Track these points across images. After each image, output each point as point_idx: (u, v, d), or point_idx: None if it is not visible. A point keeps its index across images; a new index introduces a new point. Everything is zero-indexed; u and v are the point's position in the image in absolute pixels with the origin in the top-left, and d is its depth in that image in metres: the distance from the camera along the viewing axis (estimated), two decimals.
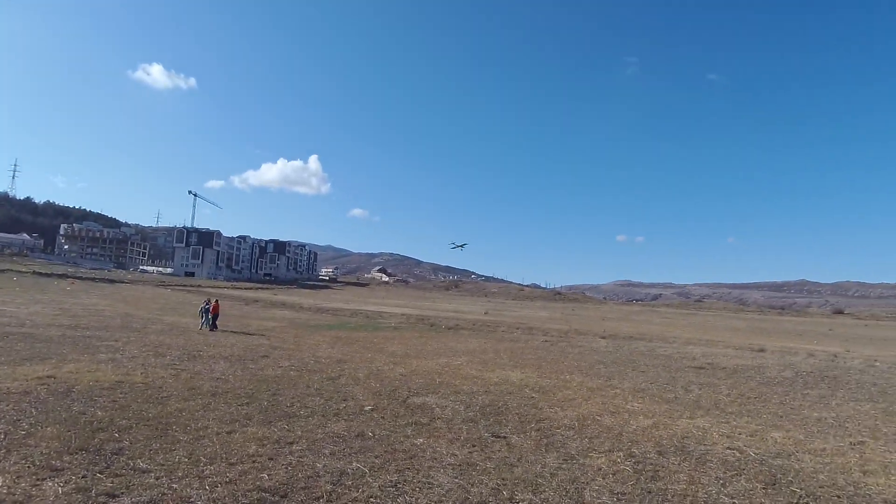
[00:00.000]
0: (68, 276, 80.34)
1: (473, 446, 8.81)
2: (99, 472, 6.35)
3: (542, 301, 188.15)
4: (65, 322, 25.67)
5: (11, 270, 76.19)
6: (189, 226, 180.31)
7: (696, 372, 21.00)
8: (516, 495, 6.65)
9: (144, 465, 6.72)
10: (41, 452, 6.86)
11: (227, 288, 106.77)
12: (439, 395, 13.36)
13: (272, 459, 7.33)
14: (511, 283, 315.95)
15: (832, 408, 14.47)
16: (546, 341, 34.00)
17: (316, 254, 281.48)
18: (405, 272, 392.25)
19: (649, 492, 7.11)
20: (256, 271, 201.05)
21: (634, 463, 8.37)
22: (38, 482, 5.91)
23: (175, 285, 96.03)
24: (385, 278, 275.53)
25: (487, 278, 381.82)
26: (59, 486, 5.85)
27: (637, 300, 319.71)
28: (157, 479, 6.31)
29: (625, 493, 6.99)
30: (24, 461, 6.52)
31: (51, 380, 11.46)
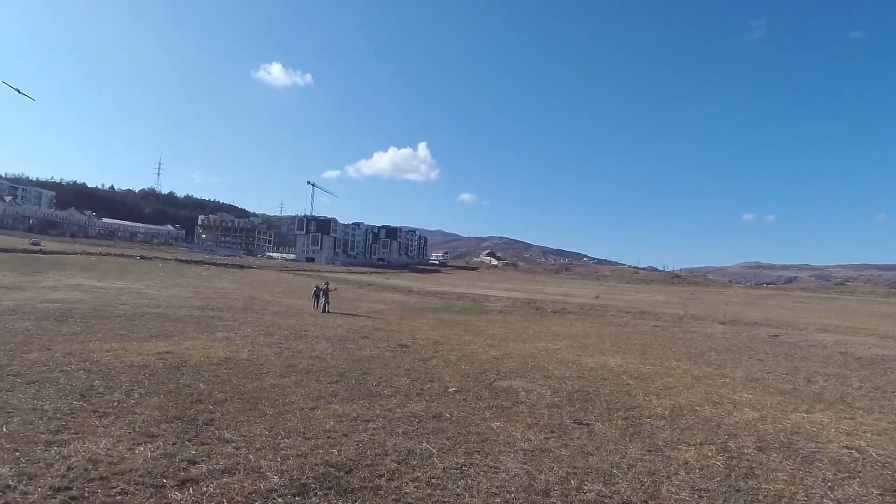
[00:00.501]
0: (204, 263, 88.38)
1: (552, 432, 8.54)
2: (187, 440, 6.90)
3: (659, 284, 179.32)
4: (195, 304, 28.21)
5: (157, 258, 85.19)
6: (308, 214, 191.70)
7: (824, 362, 18.98)
8: (585, 485, 6.35)
9: (228, 436, 7.20)
10: (143, 420, 7.58)
11: (343, 272, 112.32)
12: (528, 378, 13.12)
13: (346, 436, 7.56)
14: (625, 265, 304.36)
15: None
16: (656, 326, 32.38)
17: (426, 238, 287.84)
18: (514, 255, 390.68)
19: (738, 490, 6.49)
20: (370, 256, 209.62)
21: (728, 458, 7.69)
22: (134, 446, 6.53)
23: (296, 270, 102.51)
24: (494, 262, 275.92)
25: (600, 261, 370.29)
26: (150, 451, 6.42)
27: (767, 283, 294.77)
28: (236, 449, 6.74)
29: (708, 491, 6.43)
30: (127, 427, 7.23)
31: (168, 355, 12.64)
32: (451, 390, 11.23)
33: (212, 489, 5.53)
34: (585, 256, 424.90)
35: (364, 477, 6.16)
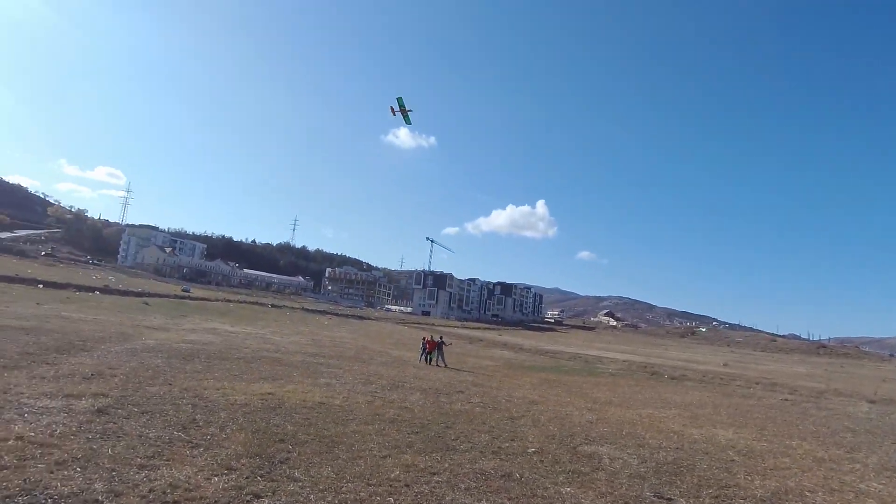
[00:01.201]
0: (328, 313, 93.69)
1: (625, 503, 8.03)
2: (259, 476, 7.37)
3: (801, 354, 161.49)
4: (310, 350, 29.95)
5: (286, 307, 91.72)
6: (426, 269, 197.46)
7: None
8: None
9: (298, 475, 7.60)
10: (227, 454, 8.21)
11: (457, 326, 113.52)
12: (617, 445, 12.42)
13: (408, 486, 7.66)
14: (761, 331, 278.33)
15: None
16: (786, 400, 29.24)
17: (541, 296, 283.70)
18: (636, 316, 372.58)
19: None
20: (484, 312, 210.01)
21: None
22: (211, 476, 7.11)
23: (412, 323, 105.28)
24: (612, 322, 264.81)
25: (731, 326, 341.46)
26: (224, 482, 6.95)
27: None
28: (301, 487, 7.09)
29: None
30: (211, 458, 7.88)
31: (270, 396, 13.56)
32: (530, 451, 10.94)
33: None
34: (715, 320, 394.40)
35: None
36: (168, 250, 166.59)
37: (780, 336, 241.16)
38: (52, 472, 6.51)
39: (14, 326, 21.78)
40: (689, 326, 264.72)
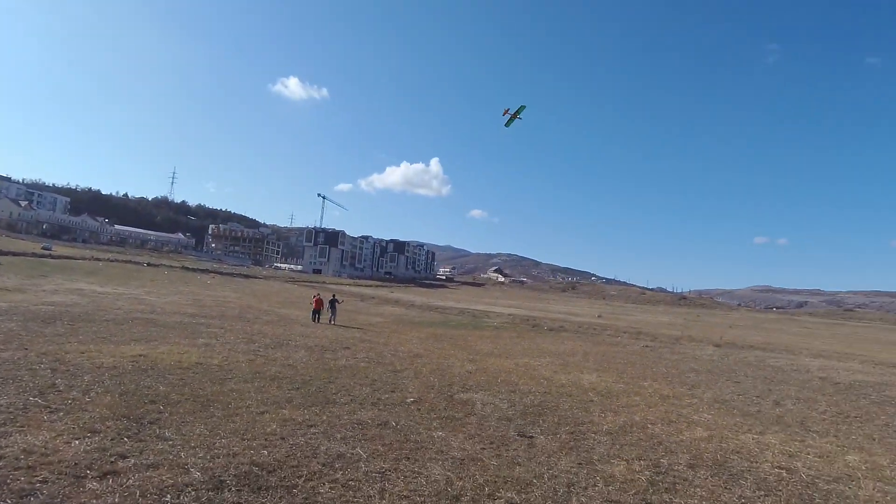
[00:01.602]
0: (210, 272, 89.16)
1: (490, 443, 8.75)
2: (126, 437, 7.20)
3: (665, 305, 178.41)
4: (189, 311, 28.61)
5: (164, 265, 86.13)
6: (318, 226, 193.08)
7: (800, 386, 19.00)
8: (499, 492, 6.57)
9: (168, 435, 7.50)
10: (90, 417, 7.89)
11: (349, 285, 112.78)
12: (491, 392, 13.32)
13: (283, 439, 7.83)
14: (633, 285, 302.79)
15: None
16: (647, 346, 32.39)
17: (434, 253, 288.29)
18: (523, 273, 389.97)
19: None
20: (377, 269, 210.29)
21: (655, 473, 7.87)
22: (71, 440, 6.84)
23: (302, 281, 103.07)
24: (501, 278, 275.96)
25: (608, 281, 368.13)
26: (85, 445, 6.73)
27: (777, 308, 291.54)
28: (171, 446, 7.03)
29: (619, 503, 6.62)
30: (72, 423, 7.55)
31: (141, 358, 12.99)
32: (408, 401, 11.46)
33: (131, 481, 5.81)
34: (594, 276, 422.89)
35: (284, 477, 6.42)
36: (24, 203, 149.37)
37: (649, 289, 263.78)
38: None
39: None
40: (570, 282, 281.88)
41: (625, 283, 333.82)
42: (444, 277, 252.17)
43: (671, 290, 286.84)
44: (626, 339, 38.34)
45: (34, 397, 8.64)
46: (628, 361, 23.55)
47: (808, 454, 9.71)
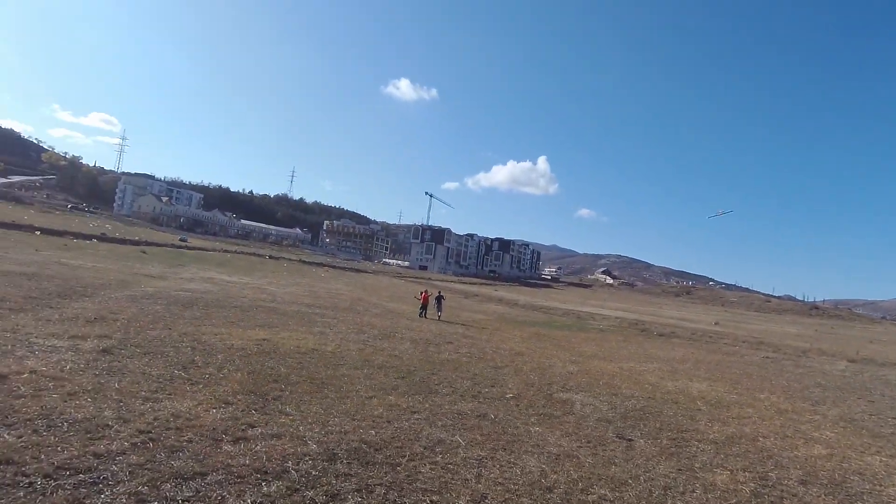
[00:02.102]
0: (324, 265, 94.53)
1: (587, 442, 8.81)
2: (254, 410, 8.10)
3: (793, 315, 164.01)
4: (306, 301, 30.68)
5: (284, 258, 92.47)
6: (424, 224, 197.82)
7: None
8: (592, 488, 6.67)
9: (289, 410, 8.33)
10: (224, 390, 8.93)
11: (453, 282, 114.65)
12: (591, 394, 13.24)
13: (389, 422, 8.40)
14: (757, 292, 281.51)
15: None
16: (767, 358, 30.27)
17: (539, 253, 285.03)
18: (633, 275, 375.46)
19: None
20: (482, 268, 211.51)
21: (760, 486, 7.56)
22: (209, 409, 7.83)
23: (408, 276, 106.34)
24: (609, 280, 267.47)
25: (728, 286, 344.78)
26: (221, 414, 7.68)
27: None
28: (291, 420, 7.82)
29: None
30: (209, 394, 8.61)
31: (265, 342, 14.29)
32: (508, 396, 11.73)
33: (258, 447, 6.60)
34: (712, 280, 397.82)
35: (389, 455, 6.96)
36: (165, 199, 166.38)
37: (775, 297, 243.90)
38: (65, 402, 7.20)
39: (16, 272, 22.38)
40: (685, 286, 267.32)
41: (747, 290, 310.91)
42: (549, 277, 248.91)
43: (801, 299, 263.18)
44: (745, 348, 36.01)
45: (178, 370, 9.89)
46: (745, 372, 22.24)
47: None
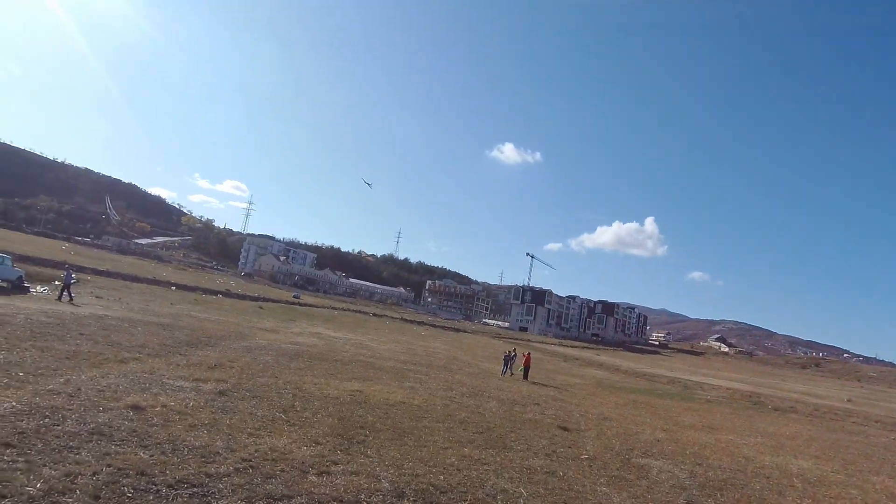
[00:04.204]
0: (425, 324, 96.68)
1: None
2: (339, 450, 9.10)
3: None
4: (402, 358, 32.00)
5: (387, 316, 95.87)
6: (525, 284, 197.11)
7: None
8: None
9: (370, 453, 9.26)
10: (315, 432, 10.05)
11: (554, 344, 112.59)
12: (673, 461, 13.01)
13: (458, 470, 9.06)
14: None
15: None
16: None
17: (646, 317, 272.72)
18: (752, 343, 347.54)
19: None
20: (584, 331, 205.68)
21: None
22: (302, 446, 8.94)
23: (508, 337, 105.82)
24: (724, 348, 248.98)
25: (866, 359, 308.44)
26: (310, 451, 8.75)
27: None
28: (370, 461, 8.73)
29: None
30: (303, 435, 9.76)
31: (357, 393, 15.46)
32: (583, 457, 11.90)
33: (338, 481, 7.54)
34: (847, 352, 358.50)
35: (452, 497, 7.64)
36: (282, 259, 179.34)
37: None
38: (187, 431, 8.60)
39: (154, 322, 25.55)
40: (813, 357, 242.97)
41: (890, 364, 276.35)
42: (656, 343, 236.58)
43: None
44: (877, 429, 32.61)
45: (279, 413, 11.19)
46: (864, 453, 20.37)
47: None
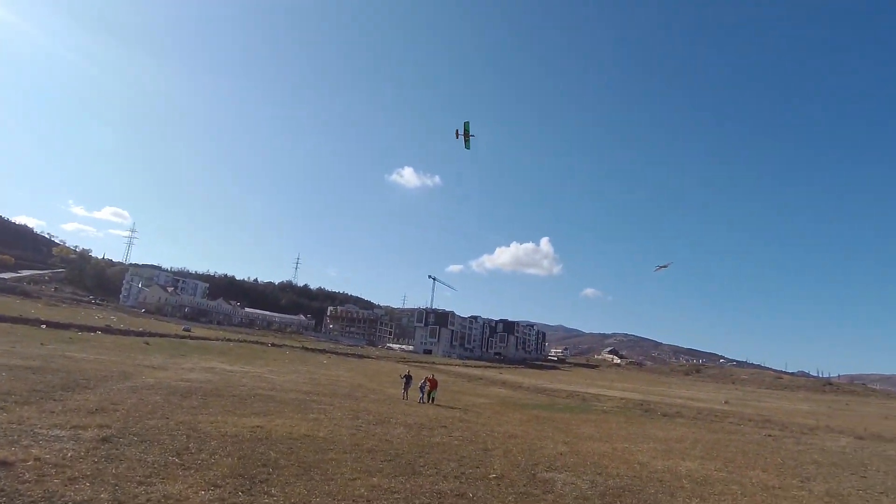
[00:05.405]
0: (327, 352, 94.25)
1: None
2: (241, 492, 8.63)
3: (806, 392, 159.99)
4: (304, 389, 30.95)
5: (287, 346, 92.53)
6: (428, 307, 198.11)
7: None
8: None
9: (274, 492, 8.85)
10: (214, 475, 9.46)
11: (458, 365, 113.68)
12: (576, 473, 13.53)
13: (368, 502, 8.91)
14: (769, 369, 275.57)
15: None
16: (769, 436, 30.04)
17: (545, 334, 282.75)
18: (641, 354, 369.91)
19: None
20: (487, 350, 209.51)
21: None
22: (199, 491, 8.38)
23: (412, 361, 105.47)
24: (616, 360, 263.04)
25: (739, 363, 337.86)
26: (209, 495, 8.23)
27: None
28: (274, 500, 8.39)
29: None
30: (200, 478, 9.15)
31: (258, 429, 14.75)
32: (490, 476, 12.09)
33: None
34: (722, 357, 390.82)
35: None
36: (170, 290, 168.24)
37: (787, 373, 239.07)
38: (65, 486, 7.79)
39: (21, 366, 22.97)
40: (694, 364, 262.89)
41: (759, 367, 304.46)
42: (555, 359, 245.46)
43: (815, 375, 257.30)
44: (750, 427, 35.73)
45: (172, 457, 10.43)
46: (742, 451, 22.23)
47: None
